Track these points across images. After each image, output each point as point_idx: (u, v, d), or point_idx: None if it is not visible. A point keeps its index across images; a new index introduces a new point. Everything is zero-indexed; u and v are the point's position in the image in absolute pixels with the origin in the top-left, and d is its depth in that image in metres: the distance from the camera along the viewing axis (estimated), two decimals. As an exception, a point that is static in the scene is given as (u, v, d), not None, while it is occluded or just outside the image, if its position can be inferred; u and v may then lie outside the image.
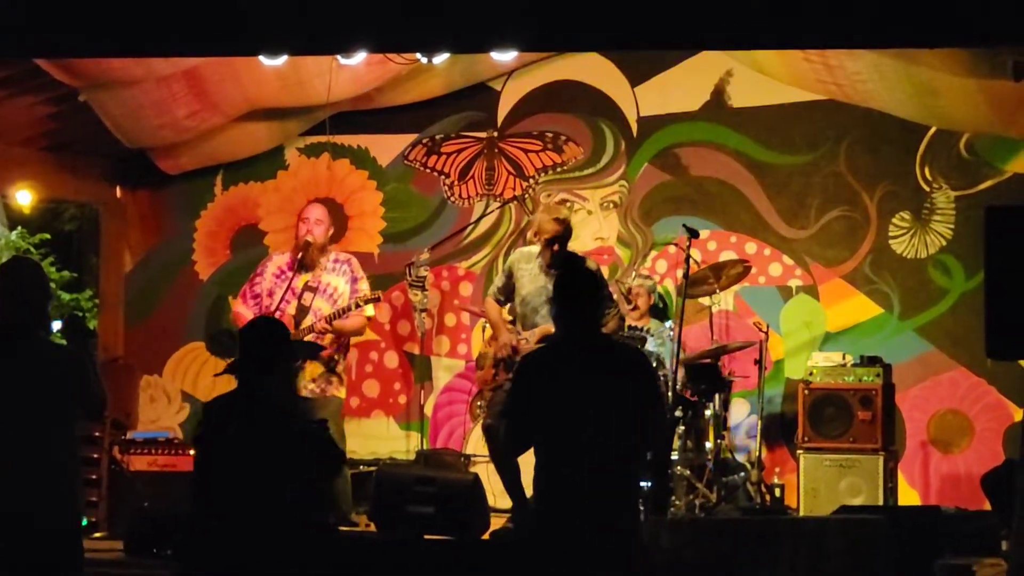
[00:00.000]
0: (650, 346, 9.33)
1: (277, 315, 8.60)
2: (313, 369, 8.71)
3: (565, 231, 8.30)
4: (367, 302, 8.76)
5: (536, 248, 8.43)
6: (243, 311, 8.94)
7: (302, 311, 8.76)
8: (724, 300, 9.91)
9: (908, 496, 9.66)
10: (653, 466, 8.50)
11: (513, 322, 8.51)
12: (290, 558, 5.50)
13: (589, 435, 5.44)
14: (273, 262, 9.09)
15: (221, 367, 10.79)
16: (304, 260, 8.85)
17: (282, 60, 9.18)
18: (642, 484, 7.87)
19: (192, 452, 9.09)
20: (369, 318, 9.03)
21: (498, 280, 8.68)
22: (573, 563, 5.41)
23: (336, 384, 8.83)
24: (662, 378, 9.06)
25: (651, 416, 5.63)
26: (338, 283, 8.87)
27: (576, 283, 5.73)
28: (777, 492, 9.40)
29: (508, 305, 8.59)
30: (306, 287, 8.82)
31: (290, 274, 8.84)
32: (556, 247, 8.25)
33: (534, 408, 5.57)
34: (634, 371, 5.65)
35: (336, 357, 8.83)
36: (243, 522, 5.49)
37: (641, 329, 9.27)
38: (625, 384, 5.55)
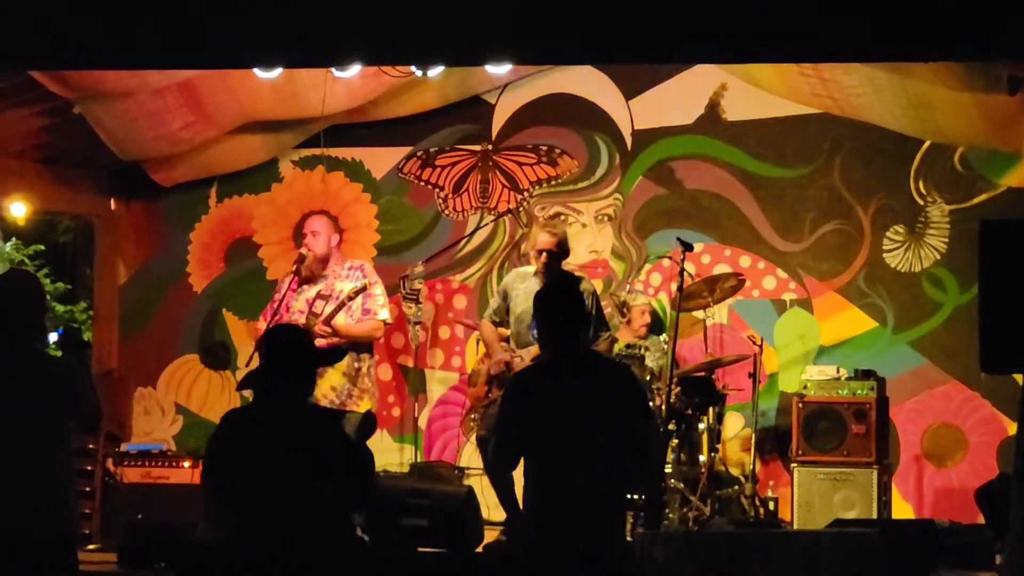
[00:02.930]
0: (647, 360, 9.32)
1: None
2: (333, 377, 8.36)
3: (559, 243, 8.26)
4: (356, 293, 8.27)
5: (531, 268, 8.39)
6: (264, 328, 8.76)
7: (313, 319, 8.52)
8: (718, 313, 9.92)
9: (902, 510, 9.66)
10: (647, 479, 8.49)
11: (507, 340, 8.49)
12: (323, 568, 5.29)
13: (579, 451, 5.46)
14: (289, 278, 8.91)
15: (214, 379, 10.85)
16: (300, 272, 8.58)
17: (277, 73, 9.17)
18: (631, 496, 7.91)
19: (186, 465, 9.30)
20: (385, 322, 8.59)
21: (493, 302, 8.62)
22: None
23: (356, 397, 8.43)
24: (655, 391, 9.08)
25: (641, 430, 5.63)
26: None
27: (557, 301, 5.76)
28: (771, 505, 9.41)
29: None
30: (318, 296, 8.57)
31: (304, 287, 8.56)
32: (545, 257, 8.19)
33: (522, 427, 5.59)
34: (622, 385, 5.67)
35: (357, 365, 8.45)
36: (280, 535, 5.24)
37: (638, 347, 9.25)
38: (614, 399, 5.56)
